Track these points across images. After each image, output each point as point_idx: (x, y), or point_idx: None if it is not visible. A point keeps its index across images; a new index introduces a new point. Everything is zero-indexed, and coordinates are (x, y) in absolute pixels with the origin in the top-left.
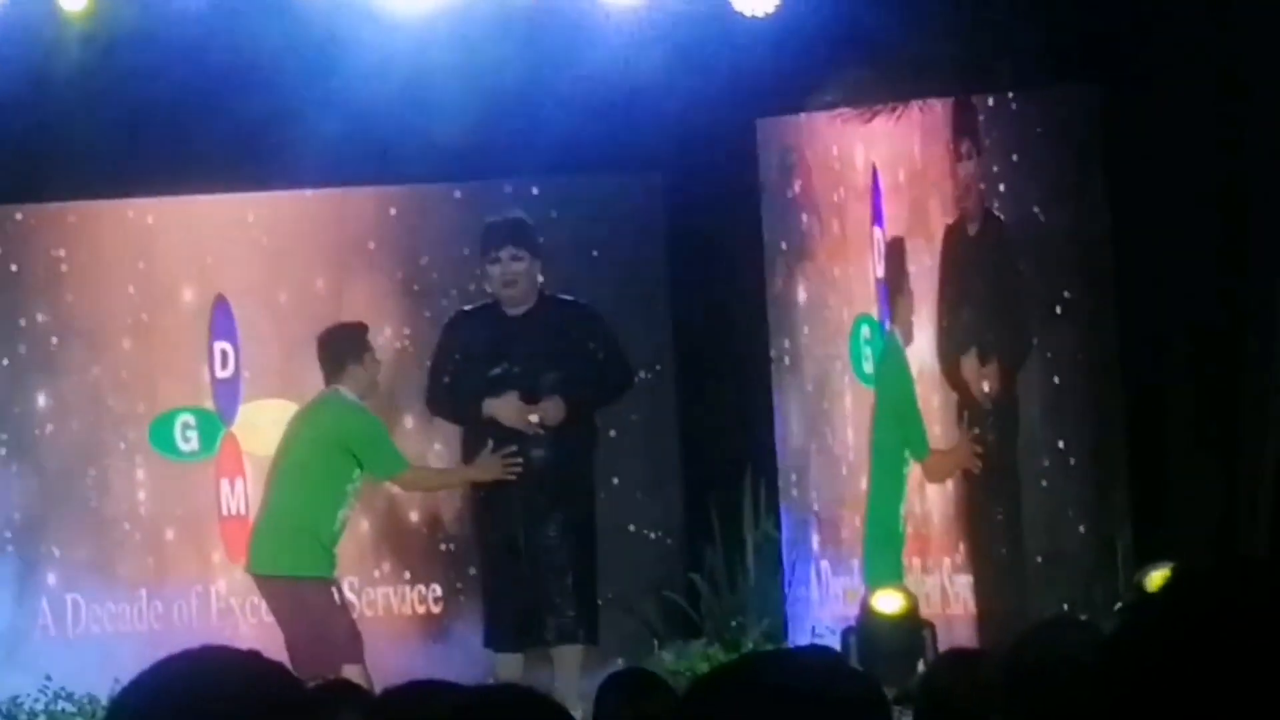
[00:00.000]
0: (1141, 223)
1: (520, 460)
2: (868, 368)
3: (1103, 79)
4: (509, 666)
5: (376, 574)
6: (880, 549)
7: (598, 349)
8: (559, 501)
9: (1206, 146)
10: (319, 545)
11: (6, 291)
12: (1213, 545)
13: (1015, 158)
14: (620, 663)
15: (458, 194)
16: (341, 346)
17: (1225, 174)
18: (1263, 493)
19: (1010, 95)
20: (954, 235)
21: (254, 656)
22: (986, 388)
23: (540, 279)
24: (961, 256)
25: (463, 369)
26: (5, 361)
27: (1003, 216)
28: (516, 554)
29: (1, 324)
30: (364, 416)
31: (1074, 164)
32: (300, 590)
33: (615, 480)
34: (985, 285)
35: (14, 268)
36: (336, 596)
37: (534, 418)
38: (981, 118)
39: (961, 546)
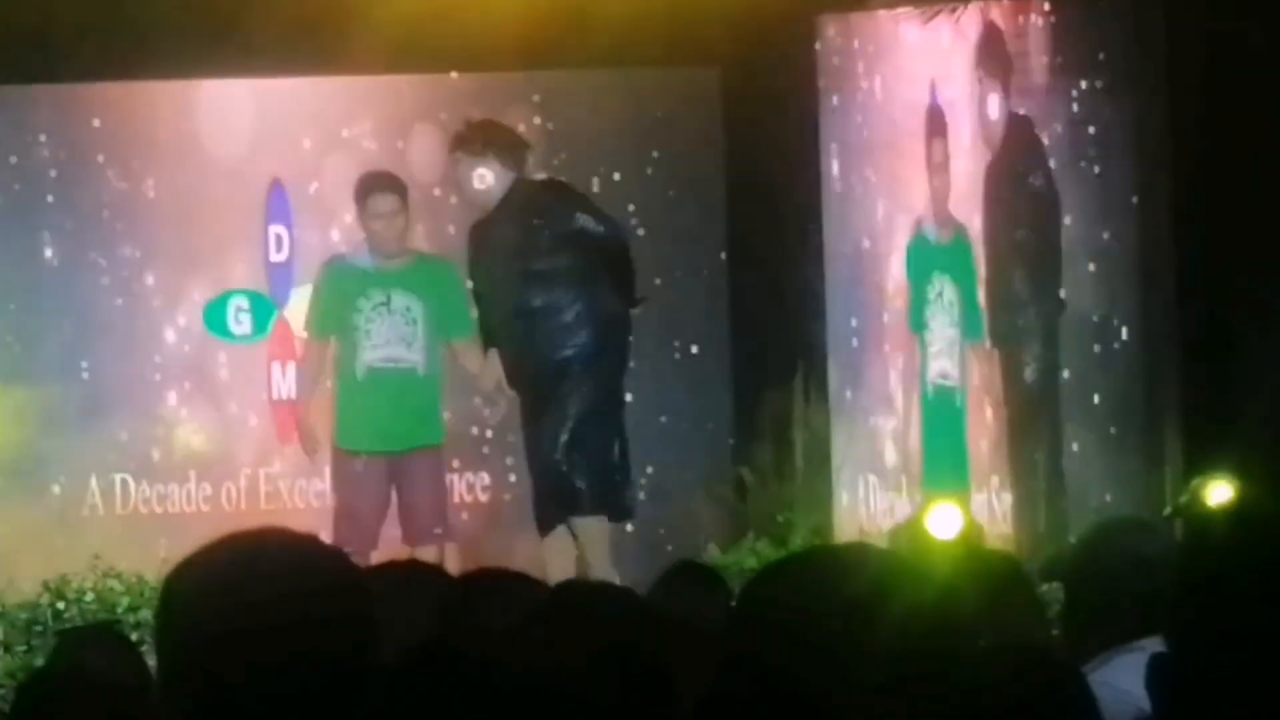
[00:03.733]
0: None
1: None
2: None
3: None
4: (554, 543)
5: None
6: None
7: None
8: (588, 384)
9: None
10: None
11: (80, 167)
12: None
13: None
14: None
15: (510, 82)
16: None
17: None
18: None
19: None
20: (997, 157)
21: (311, 540)
22: (1022, 316)
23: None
24: (1003, 175)
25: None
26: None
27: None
28: (547, 435)
29: (71, 200)
30: None
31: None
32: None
33: (663, 374)
34: (1026, 202)
35: (99, 150)
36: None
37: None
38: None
39: (1006, 468)
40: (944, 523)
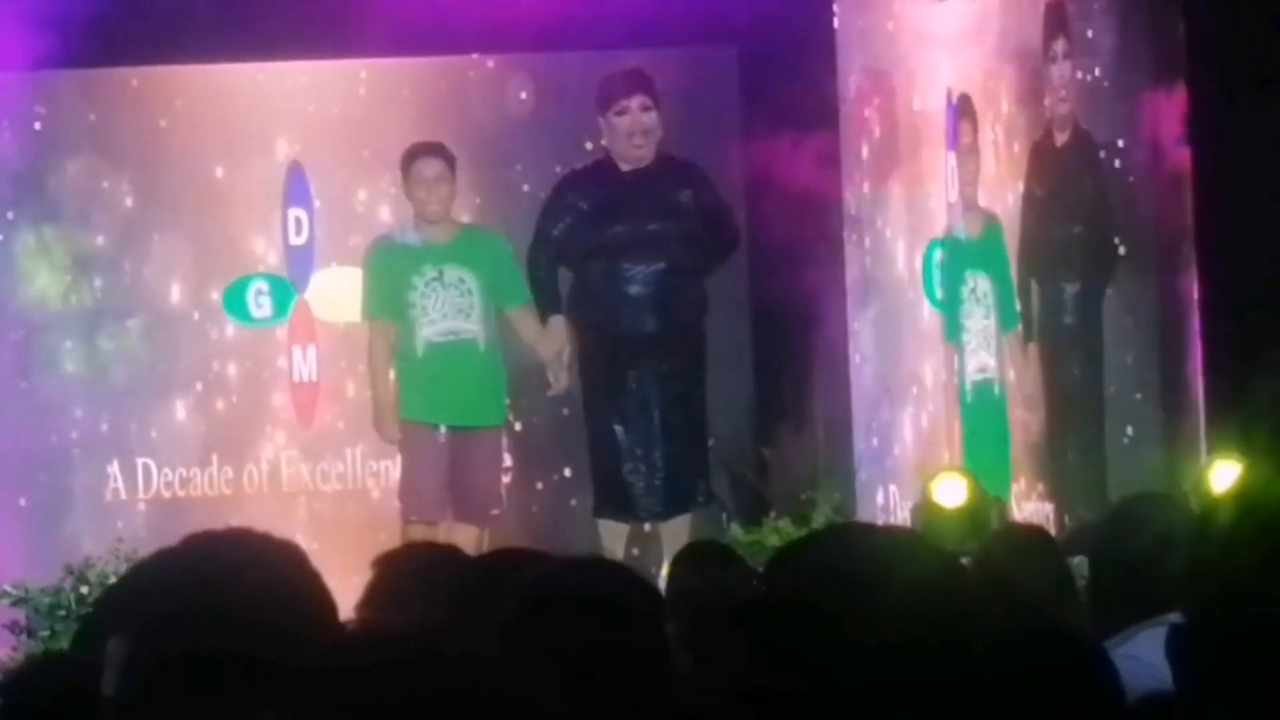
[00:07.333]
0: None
1: None
2: (939, 294)
3: None
4: (614, 536)
5: None
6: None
7: (710, 205)
8: (674, 370)
9: None
10: None
11: (95, 151)
12: None
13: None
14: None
15: (527, 64)
16: None
17: None
18: None
19: None
20: (1042, 148)
21: (265, 540)
22: (1069, 315)
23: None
24: (1051, 170)
25: (572, 229)
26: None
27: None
28: (629, 422)
29: (87, 185)
30: None
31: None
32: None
33: None
34: (1076, 199)
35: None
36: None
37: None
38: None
39: (1040, 478)
40: (950, 493)
